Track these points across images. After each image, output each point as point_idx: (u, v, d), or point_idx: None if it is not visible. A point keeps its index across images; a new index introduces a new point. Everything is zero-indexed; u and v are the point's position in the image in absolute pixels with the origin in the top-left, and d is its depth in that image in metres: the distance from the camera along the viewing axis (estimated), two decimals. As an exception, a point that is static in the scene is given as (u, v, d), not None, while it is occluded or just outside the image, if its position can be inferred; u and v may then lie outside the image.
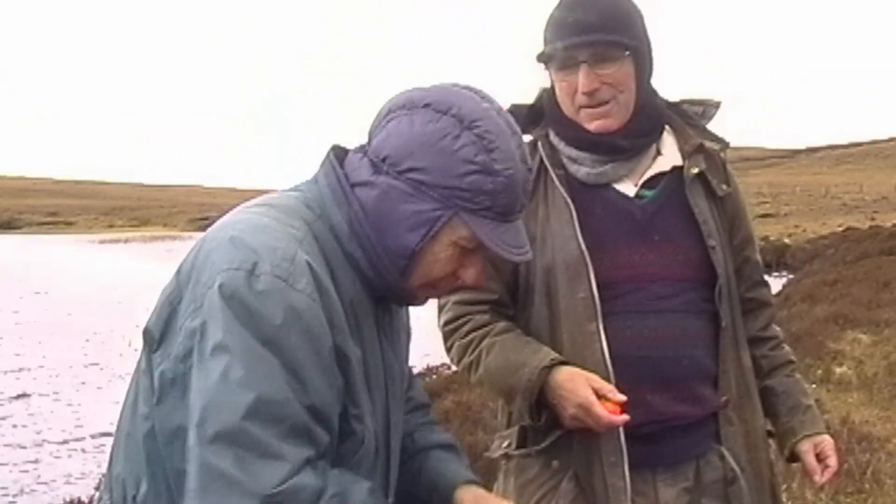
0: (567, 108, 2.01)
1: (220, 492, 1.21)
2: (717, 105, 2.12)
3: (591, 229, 1.97)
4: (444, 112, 1.34)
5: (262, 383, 1.23)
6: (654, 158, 2.05)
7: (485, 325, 2.01)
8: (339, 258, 1.37)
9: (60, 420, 11.17)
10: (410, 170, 1.33)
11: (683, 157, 2.05)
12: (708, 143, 2.07)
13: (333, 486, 1.26)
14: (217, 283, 1.25)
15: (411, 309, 1.58)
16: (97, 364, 14.66)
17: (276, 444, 1.22)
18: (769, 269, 18.53)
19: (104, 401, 11.01)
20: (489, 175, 1.33)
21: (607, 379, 1.89)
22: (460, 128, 1.33)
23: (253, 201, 1.42)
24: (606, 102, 1.97)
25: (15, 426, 10.97)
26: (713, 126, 2.12)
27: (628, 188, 2.02)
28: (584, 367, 1.90)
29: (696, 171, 2.03)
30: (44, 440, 10.28)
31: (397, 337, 1.53)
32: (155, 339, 1.34)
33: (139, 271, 29.82)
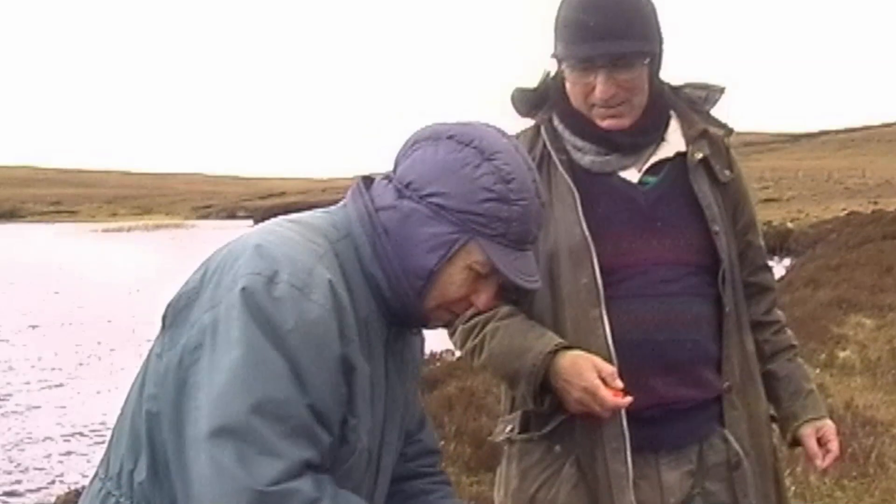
0: (578, 104, 2.01)
1: (216, 483, 1.26)
2: (721, 90, 2.11)
3: (595, 215, 1.97)
4: (466, 144, 1.43)
5: (268, 382, 1.29)
6: (658, 145, 2.05)
7: (488, 309, 2.02)
8: (358, 277, 1.44)
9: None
10: (432, 195, 1.42)
11: (687, 143, 2.05)
12: (712, 129, 2.07)
13: (328, 501, 1.30)
14: (239, 285, 1.33)
15: None
16: (100, 355, 14.69)
17: (276, 442, 1.28)
18: (772, 253, 18.52)
19: (107, 392, 11.05)
20: (505, 203, 1.41)
21: (610, 363, 1.89)
22: (481, 158, 1.42)
23: (284, 217, 1.51)
24: (621, 104, 1.97)
25: (14, 417, 11.01)
26: (716, 111, 2.11)
27: (632, 175, 2.03)
28: (587, 352, 1.90)
29: (699, 156, 2.03)
30: (43, 433, 10.29)
31: (406, 366, 1.58)
32: (166, 326, 1.41)
33: (142, 264, 29.84)
